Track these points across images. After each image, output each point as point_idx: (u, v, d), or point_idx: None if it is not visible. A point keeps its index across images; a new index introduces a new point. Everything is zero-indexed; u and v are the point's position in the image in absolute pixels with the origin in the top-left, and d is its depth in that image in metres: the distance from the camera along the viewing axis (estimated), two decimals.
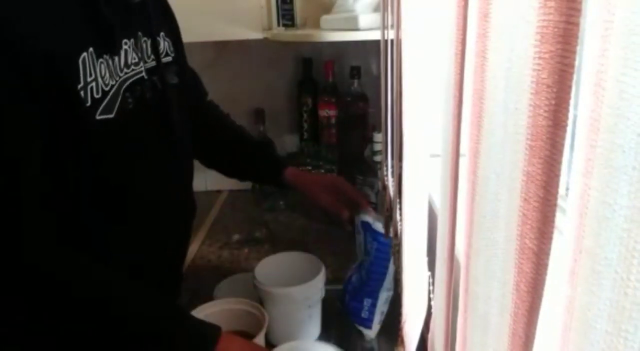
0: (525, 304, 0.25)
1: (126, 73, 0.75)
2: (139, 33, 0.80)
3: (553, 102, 0.20)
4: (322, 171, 1.46)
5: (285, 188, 1.12)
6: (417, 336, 0.69)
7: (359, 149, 1.35)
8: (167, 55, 0.88)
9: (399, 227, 0.88)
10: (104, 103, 0.69)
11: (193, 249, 1.29)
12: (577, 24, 0.19)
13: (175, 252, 0.94)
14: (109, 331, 0.71)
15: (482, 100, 0.29)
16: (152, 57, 0.83)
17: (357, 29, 1.15)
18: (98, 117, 0.69)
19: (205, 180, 1.68)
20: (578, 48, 0.19)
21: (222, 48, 1.56)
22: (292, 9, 1.31)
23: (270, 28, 1.33)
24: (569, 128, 0.21)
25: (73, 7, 0.68)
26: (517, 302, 0.26)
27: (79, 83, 0.66)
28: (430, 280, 0.67)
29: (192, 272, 1.20)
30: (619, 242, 0.17)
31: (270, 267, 0.97)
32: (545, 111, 0.21)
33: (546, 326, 0.25)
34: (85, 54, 0.67)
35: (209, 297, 0.99)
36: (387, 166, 1.05)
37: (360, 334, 0.97)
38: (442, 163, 0.42)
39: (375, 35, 1.11)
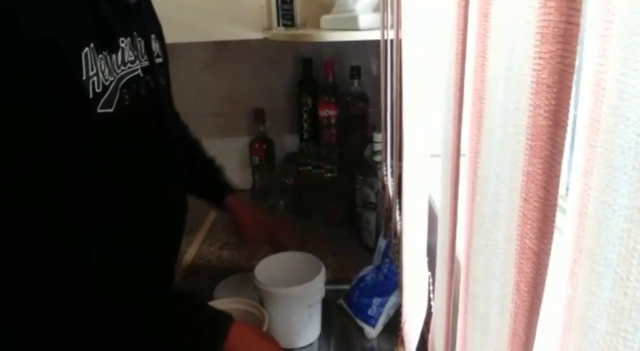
0: (525, 304, 0.25)
1: (123, 70, 0.77)
2: (135, 33, 0.82)
3: (553, 102, 0.20)
4: (322, 171, 1.46)
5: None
6: (417, 336, 0.69)
7: (359, 149, 1.35)
8: (157, 56, 0.90)
9: (398, 227, 0.88)
10: (104, 97, 0.71)
11: (193, 249, 1.29)
12: (577, 24, 0.19)
13: (172, 249, 0.95)
14: (124, 315, 0.71)
15: (482, 100, 0.29)
16: (146, 57, 0.85)
17: (357, 29, 1.15)
18: (99, 111, 0.70)
19: None
20: (578, 48, 0.19)
21: (222, 48, 1.56)
22: (292, 9, 1.30)
23: (270, 28, 1.33)
24: (568, 129, 0.21)
25: (76, 3, 0.70)
26: (517, 302, 0.26)
27: (82, 76, 0.67)
28: (430, 280, 0.67)
29: (192, 272, 1.20)
30: (618, 242, 0.17)
31: (270, 267, 0.97)
32: (545, 111, 0.21)
33: (546, 326, 0.25)
34: (87, 48, 0.68)
35: (209, 297, 0.99)
36: (387, 166, 1.05)
37: (361, 334, 0.97)
38: (442, 163, 0.42)
39: (375, 35, 1.11)
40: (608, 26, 0.17)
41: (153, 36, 0.89)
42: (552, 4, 0.20)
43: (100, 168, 0.74)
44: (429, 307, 0.66)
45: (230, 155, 1.67)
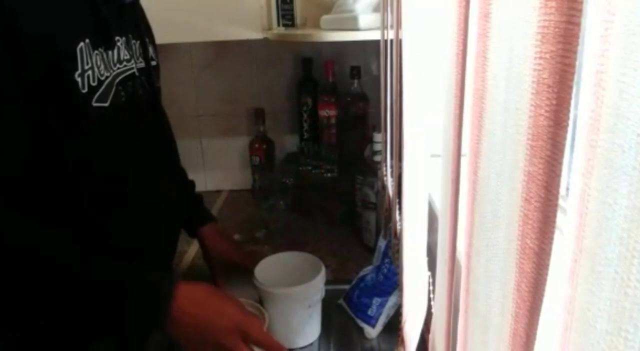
0: (526, 304, 0.25)
1: (119, 68, 0.78)
2: (130, 34, 0.83)
3: (554, 102, 0.20)
4: (322, 171, 1.46)
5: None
6: (417, 336, 0.69)
7: (359, 149, 1.35)
8: (152, 59, 0.92)
9: (398, 227, 0.88)
10: (99, 92, 0.72)
11: (193, 249, 1.29)
12: (577, 24, 0.19)
13: (169, 247, 0.97)
14: (61, 283, 0.69)
15: (483, 100, 0.29)
16: (141, 58, 0.87)
17: (357, 29, 1.15)
18: (94, 104, 0.71)
19: (205, 180, 1.68)
20: (578, 48, 0.19)
21: (222, 48, 1.56)
22: (292, 9, 1.30)
23: (270, 28, 1.33)
24: (569, 129, 0.21)
25: (74, 0, 0.71)
26: (518, 302, 0.26)
27: (77, 70, 0.68)
28: (430, 280, 0.67)
29: (192, 272, 1.20)
30: (619, 242, 0.17)
31: (270, 267, 0.97)
32: (546, 111, 0.21)
33: (546, 326, 0.25)
34: (82, 43, 0.69)
35: None
36: (387, 166, 1.05)
37: (361, 334, 0.97)
38: (442, 163, 0.42)
39: (375, 35, 1.11)
40: (608, 26, 0.17)
41: (147, 40, 0.91)
42: (553, 4, 0.20)
43: (97, 164, 0.75)
44: (429, 307, 0.66)
45: (230, 155, 1.67)
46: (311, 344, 0.96)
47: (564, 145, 0.21)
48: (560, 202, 0.22)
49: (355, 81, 1.46)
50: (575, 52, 0.19)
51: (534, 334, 0.25)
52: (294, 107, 1.60)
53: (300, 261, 1.00)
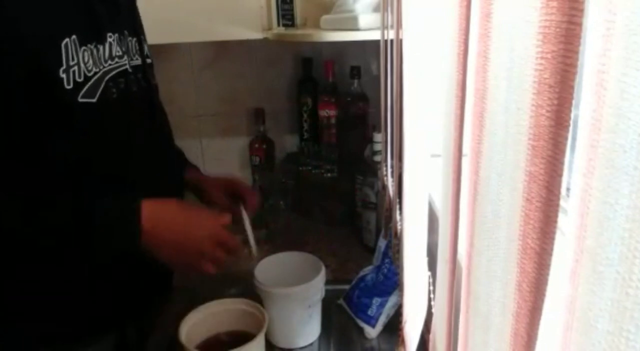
0: (527, 304, 0.25)
1: (110, 64, 0.78)
2: (125, 31, 0.83)
3: (555, 101, 0.20)
4: (322, 171, 1.46)
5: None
6: (417, 336, 0.69)
7: (359, 149, 1.35)
8: (148, 56, 0.91)
9: (399, 227, 0.88)
10: (85, 87, 0.72)
11: None
12: (579, 24, 0.19)
13: None
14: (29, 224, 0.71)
15: (484, 100, 0.29)
16: (137, 56, 0.86)
17: (357, 29, 1.15)
18: (80, 100, 0.72)
19: None
20: (580, 48, 0.19)
21: (222, 48, 1.56)
22: (292, 9, 1.30)
23: (270, 28, 1.33)
24: (570, 129, 0.21)
25: None
26: (519, 302, 0.26)
27: (61, 66, 0.69)
28: (431, 280, 0.67)
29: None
30: (620, 242, 0.17)
31: (270, 267, 0.97)
32: (547, 111, 0.21)
33: (547, 327, 0.25)
34: (68, 39, 0.70)
35: (209, 297, 0.99)
36: (387, 166, 1.05)
37: (361, 334, 0.97)
38: (443, 163, 0.42)
39: (375, 35, 1.11)
40: (610, 26, 0.17)
41: (142, 37, 0.91)
42: (554, 4, 0.20)
43: (93, 162, 0.76)
44: (429, 307, 0.66)
45: (230, 155, 1.67)
46: (311, 344, 0.96)
47: (565, 145, 0.21)
48: (561, 202, 0.22)
49: (355, 81, 1.46)
50: (576, 52, 0.19)
51: (535, 334, 0.25)
52: (294, 107, 1.60)
53: (300, 261, 1.00)
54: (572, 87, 0.19)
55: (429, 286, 0.67)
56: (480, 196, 0.31)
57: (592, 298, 0.19)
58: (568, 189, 0.66)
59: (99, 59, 0.75)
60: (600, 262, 0.18)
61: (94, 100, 0.73)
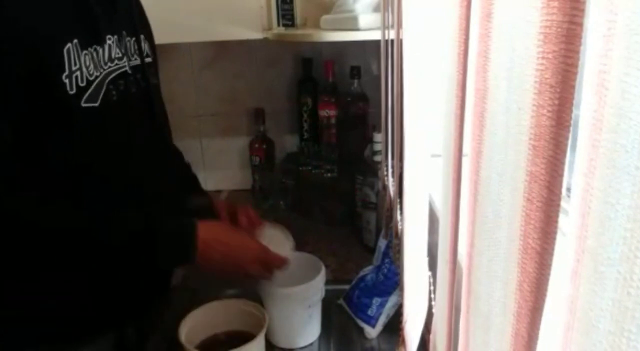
0: (528, 304, 0.25)
1: (110, 67, 0.78)
2: (124, 32, 0.83)
3: (556, 101, 0.20)
4: (322, 171, 1.46)
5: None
6: (418, 336, 0.69)
7: (359, 149, 1.35)
8: (147, 56, 0.91)
9: (399, 227, 0.88)
10: (88, 92, 0.73)
11: None
12: (580, 24, 0.19)
13: None
14: (89, 248, 0.75)
15: (484, 100, 0.29)
16: (136, 56, 0.86)
17: (357, 29, 1.15)
18: (84, 105, 0.72)
19: (205, 180, 1.68)
20: (581, 48, 0.19)
21: (222, 48, 1.56)
22: (292, 9, 1.30)
23: (270, 28, 1.33)
24: (570, 129, 0.21)
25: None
26: (520, 302, 0.26)
27: (64, 71, 0.69)
28: (431, 280, 0.67)
29: (192, 272, 1.20)
30: (621, 241, 0.17)
31: None
32: (548, 111, 0.21)
33: (548, 326, 0.25)
34: (70, 44, 0.70)
35: (209, 297, 0.99)
36: (387, 166, 1.05)
37: (361, 334, 0.97)
38: (443, 163, 0.42)
39: (375, 35, 1.11)
40: (611, 26, 0.17)
41: (142, 36, 0.90)
42: (555, 4, 0.20)
43: (94, 164, 0.76)
44: (430, 307, 0.66)
45: (230, 155, 1.67)
46: (311, 344, 0.96)
47: (566, 145, 0.20)
48: (562, 202, 0.22)
49: (355, 81, 1.46)
50: (577, 52, 0.19)
51: (536, 334, 0.25)
52: (294, 107, 1.60)
53: (300, 261, 1.00)
54: (573, 87, 0.19)
55: (430, 286, 0.67)
56: (481, 196, 0.31)
57: (593, 298, 0.19)
58: (568, 189, 0.66)
59: (99, 61, 0.75)
60: (602, 262, 0.18)
61: (96, 105, 0.74)
